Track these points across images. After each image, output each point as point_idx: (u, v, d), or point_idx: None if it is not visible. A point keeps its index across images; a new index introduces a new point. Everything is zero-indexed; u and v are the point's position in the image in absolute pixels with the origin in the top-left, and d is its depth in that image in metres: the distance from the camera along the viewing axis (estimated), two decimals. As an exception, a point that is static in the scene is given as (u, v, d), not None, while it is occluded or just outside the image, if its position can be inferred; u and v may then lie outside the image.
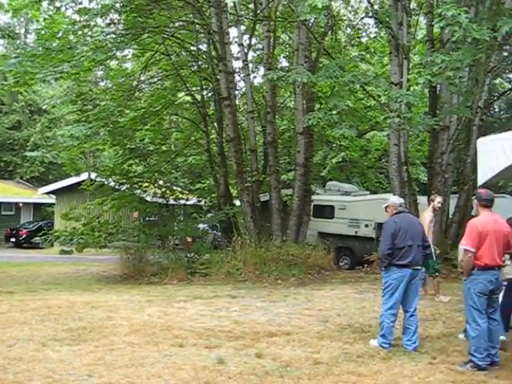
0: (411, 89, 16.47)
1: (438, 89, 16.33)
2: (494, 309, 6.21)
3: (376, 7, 16.50)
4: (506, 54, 15.20)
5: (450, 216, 16.23)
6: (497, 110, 28.46)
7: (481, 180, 8.83)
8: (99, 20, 16.98)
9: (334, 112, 12.98)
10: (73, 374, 5.21)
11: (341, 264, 17.65)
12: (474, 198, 6.98)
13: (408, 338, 6.72)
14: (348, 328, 7.64)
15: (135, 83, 20.11)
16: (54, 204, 33.69)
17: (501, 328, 6.36)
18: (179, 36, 19.35)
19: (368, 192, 22.12)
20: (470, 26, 9.87)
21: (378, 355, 6.26)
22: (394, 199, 7.43)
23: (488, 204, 6.42)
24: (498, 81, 24.08)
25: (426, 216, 9.90)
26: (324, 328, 7.62)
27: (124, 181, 18.25)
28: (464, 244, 6.13)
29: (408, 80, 14.80)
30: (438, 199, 9.83)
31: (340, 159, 25.89)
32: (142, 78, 20.68)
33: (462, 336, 7.19)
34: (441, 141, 15.54)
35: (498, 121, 26.13)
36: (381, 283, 7.12)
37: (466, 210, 15.81)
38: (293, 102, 20.06)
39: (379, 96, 16.09)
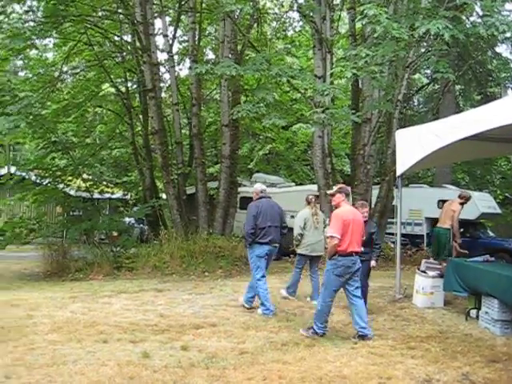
0: (335, 82, 16.84)
1: (360, 83, 16.78)
2: (355, 288, 6.92)
3: (300, 1, 16.69)
4: (423, 50, 15.77)
5: (373, 206, 16.73)
6: (416, 103, 29.55)
7: (399, 170, 9.22)
8: (16, 6, 16.36)
9: (262, 105, 13.09)
10: (-11, 375, 5.02)
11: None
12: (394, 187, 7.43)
13: (251, 296, 8.22)
14: (273, 317, 7.75)
15: (57, 74, 19.48)
16: (-30, 200, 32.14)
17: (363, 303, 7.07)
18: (102, 26, 18.92)
19: (294, 184, 22.47)
20: (390, 24, 10.22)
21: (302, 343, 6.40)
22: (257, 186, 8.50)
23: (347, 197, 7.22)
24: (416, 76, 25.01)
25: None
26: (249, 318, 7.70)
27: (46, 175, 17.66)
28: (330, 231, 6.81)
29: (332, 74, 15.10)
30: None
31: (266, 151, 26.12)
32: (65, 69, 20.07)
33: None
34: (363, 133, 15.98)
35: (416, 114, 27.12)
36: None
37: (388, 200, 16.37)
38: (218, 95, 20.05)
39: (306, 90, 16.32)
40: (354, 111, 13.24)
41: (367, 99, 15.78)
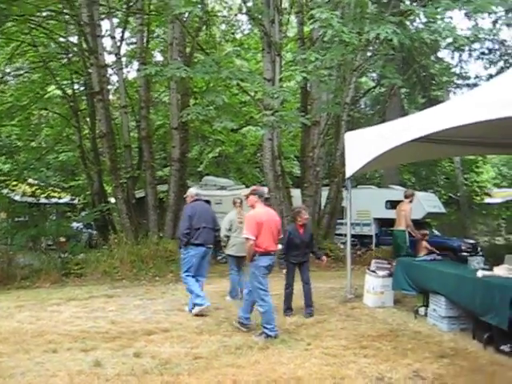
0: (284, 85, 16.98)
1: (309, 86, 16.98)
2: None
3: (249, 4, 16.75)
4: (369, 54, 16.11)
5: (322, 207, 16.95)
6: (363, 106, 30.10)
7: (349, 172, 9.37)
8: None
9: (212, 107, 13.07)
10: None
11: (218, 258, 17.78)
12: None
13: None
14: (226, 321, 7.73)
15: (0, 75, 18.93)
16: None
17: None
18: (47, 26, 18.44)
19: (244, 186, 22.49)
20: (341, 29, 10.40)
21: (256, 346, 6.40)
22: (192, 190, 9.06)
23: (261, 199, 7.44)
24: (363, 79, 25.49)
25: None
26: (202, 323, 7.66)
27: (-11, 179, 17.12)
28: (245, 233, 7.08)
29: (281, 78, 15.21)
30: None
31: (216, 154, 26.06)
32: (8, 70, 19.50)
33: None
34: (312, 135, 16.18)
35: (364, 116, 27.64)
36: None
37: (337, 201, 16.62)
38: (167, 97, 19.89)
39: (256, 92, 16.40)
40: (303, 114, 13.38)
41: (316, 102, 16.00)
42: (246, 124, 23.98)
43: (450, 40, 15.02)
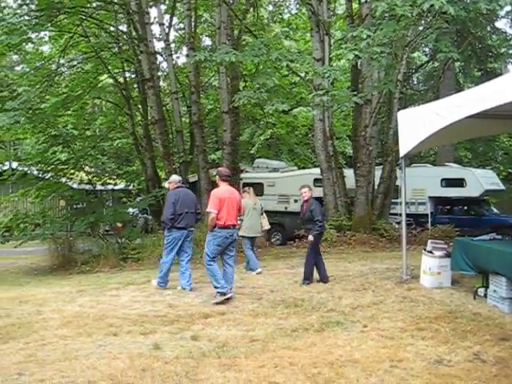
0: (334, 64, 16.74)
1: (359, 64, 16.67)
2: (229, 256, 8.29)
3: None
4: (421, 28, 15.64)
5: (376, 187, 16.71)
6: (415, 82, 29.35)
7: (402, 151, 9.15)
8: (9, 0, 16.21)
9: (262, 90, 13.03)
10: (2, 374, 5.01)
11: (272, 240, 17.86)
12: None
13: (186, 281, 8.96)
14: (281, 303, 7.75)
15: (54, 67, 19.39)
16: (-27, 197, 32.13)
17: (233, 271, 8.47)
18: (98, 17, 18.75)
19: (296, 167, 22.43)
20: (394, 1, 10.12)
21: (312, 328, 6.39)
22: (175, 177, 9.63)
23: (226, 178, 8.41)
24: (415, 54, 24.82)
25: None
26: (258, 305, 7.70)
27: (48, 169, 17.64)
28: (208, 208, 8.02)
29: (330, 57, 15.00)
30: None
31: (268, 136, 26.03)
32: (62, 62, 19.96)
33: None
34: (364, 114, 15.92)
35: (416, 93, 26.96)
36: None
37: (391, 180, 16.34)
38: (217, 81, 19.94)
39: (307, 73, 16.24)
40: (354, 93, 13.15)
41: (367, 80, 15.69)
42: (297, 105, 23.83)
43: (508, 8, 14.40)
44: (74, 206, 20.55)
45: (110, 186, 19.28)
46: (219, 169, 8.90)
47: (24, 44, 17.88)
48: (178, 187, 9.23)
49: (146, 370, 5.01)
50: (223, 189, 8.23)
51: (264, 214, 11.62)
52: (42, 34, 18.84)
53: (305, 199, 9.37)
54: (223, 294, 7.86)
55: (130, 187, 22.39)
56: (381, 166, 17.05)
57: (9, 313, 7.61)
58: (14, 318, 7.24)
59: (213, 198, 8.04)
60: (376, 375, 4.79)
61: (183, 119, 19.61)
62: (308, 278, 9.21)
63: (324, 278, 9.30)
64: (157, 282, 9.16)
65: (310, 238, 9.26)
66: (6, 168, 20.15)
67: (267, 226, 11.87)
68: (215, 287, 7.97)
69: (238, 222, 8.76)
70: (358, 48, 10.62)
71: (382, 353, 5.44)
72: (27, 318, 7.28)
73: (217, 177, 8.48)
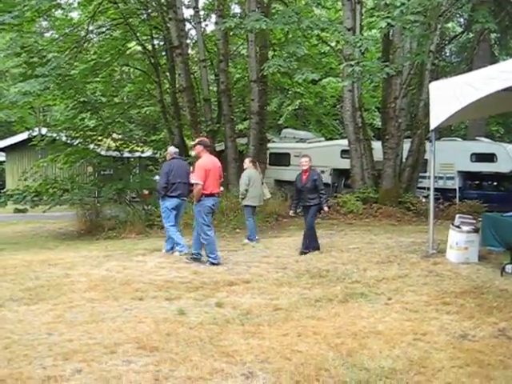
0: (365, 34, 16.42)
1: (391, 33, 16.32)
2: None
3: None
4: (457, -4, 15.20)
5: (404, 160, 16.50)
6: (448, 54, 28.68)
7: (433, 123, 8.99)
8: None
9: (292, 59, 12.88)
10: (32, 333, 5.16)
11: (298, 211, 17.81)
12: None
13: (171, 247, 9.59)
14: (306, 274, 7.78)
15: (83, 34, 19.38)
16: (3, 162, 32.67)
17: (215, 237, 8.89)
18: (126, -18, 18.65)
19: (323, 138, 22.26)
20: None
21: (335, 299, 6.41)
22: (171, 149, 10.13)
23: (209, 149, 8.94)
24: (449, 24, 24.18)
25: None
26: (282, 275, 7.74)
27: (77, 135, 17.79)
28: (195, 179, 8.43)
29: (361, 26, 14.69)
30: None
31: (296, 106, 25.81)
32: (90, 28, 19.92)
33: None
34: (394, 86, 15.63)
35: (449, 65, 26.36)
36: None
37: (419, 154, 16.11)
38: (246, 50, 19.75)
39: (338, 42, 15.95)
40: (386, 63, 12.90)
41: (398, 51, 15.37)
42: (326, 75, 23.53)
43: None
44: (102, 173, 20.76)
45: (137, 154, 19.42)
46: (203, 139, 9.25)
47: (53, 10, 17.90)
48: (172, 158, 9.78)
49: (170, 335, 5.09)
50: (207, 159, 8.67)
51: (265, 184, 12.15)
52: (71, -1, 18.85)
53: (305, 169, 9.51)
54: (217, 264, 8.43)
55: (157, 155, 22.51)
56: (409, 139, 16.80)
57: (38, 275, 7.79)
58: (43, 280, 7.41)
59: (199, 170, 8.42)
60: (399, 347, 4.79)
61: (211, 88, 19.51)
62: (315, 247, 9.51)
63: (307, 248, 9.50)
64: (178, 251, 9.43)
65: (326, 208, 9.53)
66: (35, 134, 20.33)
67: (269, 195, 12.30)
68: (209, 257, 8.51)
69: (221, 189, 9.48)
70: (392, 16, 10.35)
71: (406, 325, 5.43)
72: (56, 280, 7.44)
73: (197, 147, 8.76)
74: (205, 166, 8.46)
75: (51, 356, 4.53)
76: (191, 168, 9.34)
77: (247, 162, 11.73)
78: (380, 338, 5.05)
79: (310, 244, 9.49)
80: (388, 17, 10.42)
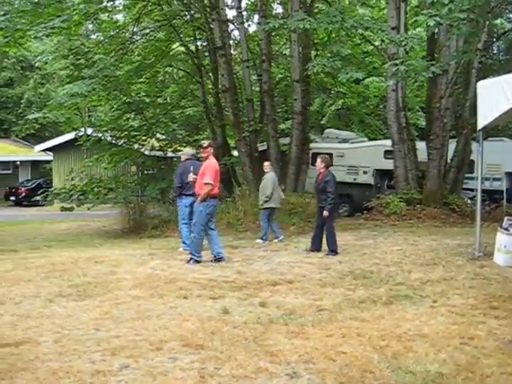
0: (409, 33, 16.17)
1: (436, 32, 16.03)
2: (213, 222, 9.00)
3: None
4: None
5: (449, 161, 16.20)
6: (496, 51, 27.97)
7: (481, 123, 8.80)
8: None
9: (336, 58, 12.80)
10: (81, 328, 5.28)
11: (340, 211, 17.71)
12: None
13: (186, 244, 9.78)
14: (350, 275, 7.72)
15: (128, 35, 19.72)
16: (51, 161, 33.56)
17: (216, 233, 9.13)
18: (170, -16, 18.87)
19: (366, 139, 22.04)
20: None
21: (379, 301, 6.33)
22: (186, 150, 10.77)
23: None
24: (498, 21, 23.58)
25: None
26: (326, 275, 7.71)
27: (121, 135, 18.12)
28: (207, 179, 8.58)
29: (406, 25, 14.49)
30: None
31: (338, 106, 25.64)
32: (135, 30, 20.26)
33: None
34: (439, 85, 15.37)
35: (496, 63, 25.72)
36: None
37: (465, 154, 15.80)
38: (288, 50, 19.72)
39: (382, 41, 15.74)
40: (432, 62, 12.68)
41: (444, 49, 15.10)
42: (369, 75, 23.30)
43: None
44: (145, 172, 21.10)
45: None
46: (210, 142, 9.77)
47: (99, 13, 18.28)
48: (187, 159, 10.23)
49: (215, 333, 5.13)
50: (214, 161, 9.01)
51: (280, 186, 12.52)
52: (117, 2, 19.20)
53: (320, 171, 9.73)
54: (199, 262, 8.67)
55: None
56: (455, 140, 16.49)
57: (85, 272, 7.97)
58: (90, 277, 7.57)
59: (212, 171, 8.69)
60: (446, 351, 4.71)
61: (253, 88, 19.57)
62: (333, 250, 9.41)
63: (316, 250, 9.63)
64: (182, 248, 10.06)
65: (325, 213, 9.41)
66: (81, 134, 20.82)
67: (283, 196, 12.73)
68: (193, 254, 8.69)
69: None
70: (440, 14, 10.15)
71: (452, 329, 5.32)
72: (102, 277, 7.60)
73: (209, 149, 8.98)
74: (216, 166, 8.84)
75: (99, 351, 4.63)
76: (191, 167, 9.58)
77: (268, 166, 12.04)
78: (426, 342, 4.97)
79: (331, 245, 9.49)
80: (436, 15, 10.21)
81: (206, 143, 9.18)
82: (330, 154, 18.64)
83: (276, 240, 11.40)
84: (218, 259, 8.75)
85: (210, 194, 8.60)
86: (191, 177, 9.35)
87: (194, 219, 8.82)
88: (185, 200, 9.96)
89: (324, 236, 9.63)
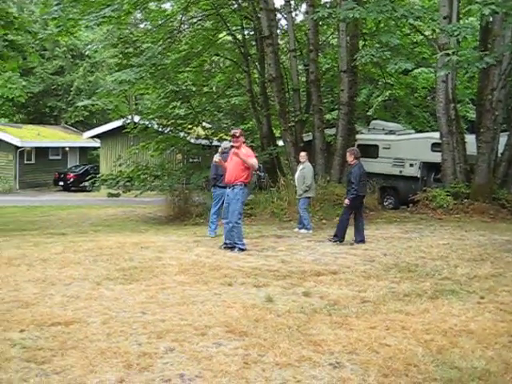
0: (461, 22, 15.78)
1: (490, 21, 15.56)
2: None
3: None
4: None
5: (500, 154, 15.78)
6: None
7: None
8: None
9: (385, 48, 12.60)
10: (127, 311, 5.41)
11: (385, 204, 17.52)
12: None
13: (212, 229, 10.58)
14: (394, 267, 7.64)
15: (176, 25, 19.88)
16: (98, 148, 34.28)
17: None
18: (218, -27, 18.90)
19: (413, 131, 21.66)
20: None
21: (425, 295, 6.26)
22: (225, 143, 10.76)
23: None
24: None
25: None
26: (370, 267, 7.65)
27: (168, 123, 18.32)
28: (255, 162, 8.95)
29: (458, 13, 14.11)
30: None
31: (386, 97, 25.24)
32: (183, 19, 20.40)
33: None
34: (492, 76, 14.94)
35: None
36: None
37: (516, 147, 15.35)
38: (336, 40, 19.53)
39: (433, 31, 15.36)
40: (486, 53, 12.33)
41: (498, 39, 14.67)
42: (418, 66, 22.84)
43: None
44: (190, 160, 21.30)
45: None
46: (241, 131, 9.53)
47: (149, 2, 18.47)
48: (223, 153, 10.19)
49: (258, 321, 5.17)
50: (248, 149, 9.21)
51: None
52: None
53: (350, 164, 10.03)
54: (243, 250, 8.71)
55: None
56: (506, 133, 16.03)
57: (132, 257, 8.13)
58: (136, 262, 7.72)
59: (253, 157, 8.97)
60: (493, 348, 4.63)
61: (300, 78, 19.48)
62: (337, 236, 9.64)
63: (360, 241, 9.62)
64: (209, 232, 10.59)
65: (346, 201, 9.66)
66: (128, 121, 21.16)
67: None
68: (236, 243, 8.77)
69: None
70: (496, 2, 9.83)
71: (500, 326, 5.23)
72: (148, 262, 7.74)
73: (241, 138, 9.07)
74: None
75: (145, 334, 4.74)
76: (218, 156, 9.55)
77: (304, 156, 12.01)
78: (472, 338, 4.89)
79: (339, 232, 9.68)
80: (492, 3, 9.89)
81: (237, 132, 9.17)
82: (376, 146, 18.47)
83: (299, 229, 11.52)
84: (230, 247, 8.89)
85: (246, 181, 8.84)
86: (216, 157, 9.48)
87: (231, 208, 8.84)
88: (219, 191, 10.29)
89: (357, 226, 9.78)
